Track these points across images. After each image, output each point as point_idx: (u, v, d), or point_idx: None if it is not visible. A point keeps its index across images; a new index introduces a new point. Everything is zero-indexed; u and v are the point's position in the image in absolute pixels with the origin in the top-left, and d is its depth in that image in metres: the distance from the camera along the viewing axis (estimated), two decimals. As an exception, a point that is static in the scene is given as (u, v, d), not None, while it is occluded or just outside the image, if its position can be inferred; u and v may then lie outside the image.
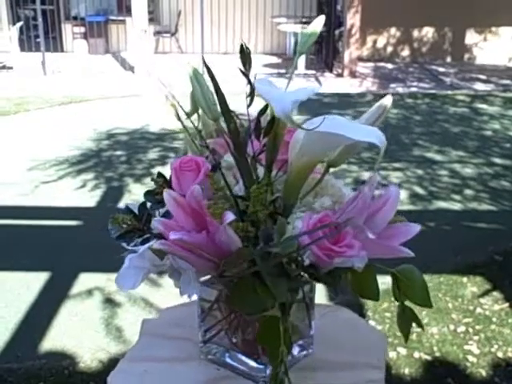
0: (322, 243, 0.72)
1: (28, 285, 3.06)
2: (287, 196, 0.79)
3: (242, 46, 0.85)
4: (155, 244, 0.71)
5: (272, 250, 0.72)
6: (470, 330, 2.70)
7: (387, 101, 0.79)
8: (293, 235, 0.74)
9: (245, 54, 0.85)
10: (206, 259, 0.72)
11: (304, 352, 0.97)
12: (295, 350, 0.94)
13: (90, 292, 2.98)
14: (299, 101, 0.67)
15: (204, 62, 0.82)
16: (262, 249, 0.72)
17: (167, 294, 2.85)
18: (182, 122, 0.85)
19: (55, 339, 2.63)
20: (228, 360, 0.93)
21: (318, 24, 0.87)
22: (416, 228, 0.77)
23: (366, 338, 1.06)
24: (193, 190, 0.72)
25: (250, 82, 0.80)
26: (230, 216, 0.71)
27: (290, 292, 0.75)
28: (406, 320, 0.79)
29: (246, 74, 0.81)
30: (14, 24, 9.34)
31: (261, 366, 0.90)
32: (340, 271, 0.76)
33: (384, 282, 2.88)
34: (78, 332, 2.68)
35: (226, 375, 0.92)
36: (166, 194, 0.73)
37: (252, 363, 0.91)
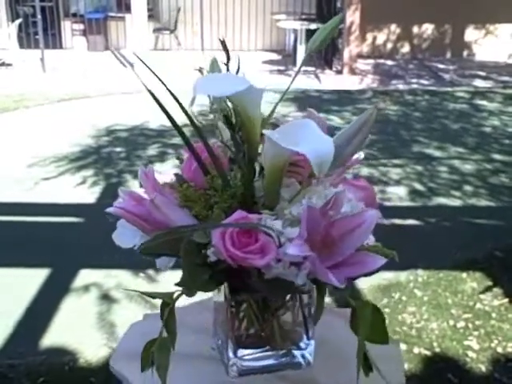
0: (225, 242, 0.72)
1: (28, 281, 3.06)
2: (268, 197, 0.80)
3: (222, 42, 0.85)
4: (108, 208, 0.80)
5: (193, 238, 0.75)
6: (470, 325, 2.71)
7: (369, 115, 0.76)
8: (208, 225, 0.76)
9: (227, 52, 0.86)
10: (149, 229, 0.79)
11: (294, 360, 0.94)
12: (278, 358, 0.93)
13: (90, 288, 2.98)
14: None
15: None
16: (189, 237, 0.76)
17: (164, 290, 2.85)
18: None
19: (56, 335, 2.63)
20: (265, 362, 0.93)
21: (333, 25, 0.85)
22: (380, 262, 0.71)
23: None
24: (149, 170, 0.83)
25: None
26: (157, 196, 0.78)
27: (212, 283, 0.76)
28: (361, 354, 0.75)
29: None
30: (12, 21, 9.34)
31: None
32: (286, 285, 0.75)
33: (385, 278, 2.90)
34: (78, 328, 2.69)
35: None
36: (140, 170, 0.84)
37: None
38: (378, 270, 0.73)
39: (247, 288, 0.79)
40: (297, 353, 0.94)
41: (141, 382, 0.86)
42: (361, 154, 0.89)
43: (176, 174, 0.88)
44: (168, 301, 0.76)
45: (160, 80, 0.79)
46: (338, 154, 0.75)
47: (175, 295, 0.77)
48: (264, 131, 0.71)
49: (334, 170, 0.81)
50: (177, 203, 0.81)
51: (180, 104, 0.78)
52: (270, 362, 0.93)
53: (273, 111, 0.88)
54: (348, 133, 0.77)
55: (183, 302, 1.08)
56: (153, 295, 0.78)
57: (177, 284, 0.75)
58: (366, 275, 0.75)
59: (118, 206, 0.81)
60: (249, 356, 0.93)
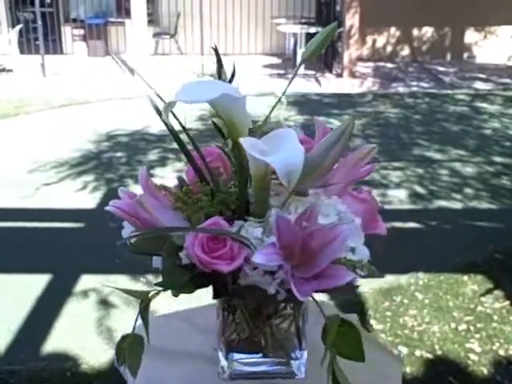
0: (195, 247, 0.73)
1: (30, 286, 3.06)
2: (257, 205, 0.80)
3: (215, 50, 0.85)
4: (106, 207, 0.83)
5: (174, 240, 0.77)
6: (472, 328, 2.70)
7: (347, 125, 0.75)
8: (188, 228, 0.77)
9: (219, 58, 0.87)
10: (142, 227, 0.82)
11: (288, 369, 0.93)
12: (270, 365, 0.92)
13: (90, 293, 2.98)
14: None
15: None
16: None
17: (164, 295, 2.85)
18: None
19: (57, 340, 2.63)
20: (257, 368, 0.92)
21: (328, 33, 0.86)
22: (348, 277, 0.71)
23: (379, 363, 0.98)
24: (143, 170, 0.84)
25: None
26: (144, 196, 0.80)
27: (191, 285, 0.77)
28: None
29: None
30: (13, 27, 9.36)
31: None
32: (262, 293, 0.75)
33: (386, 281, 2.90)
34: (79, 333, 2.69)
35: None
36: (140, 171, 0.85)
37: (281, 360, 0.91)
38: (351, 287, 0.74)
39: (228, 293, 0.79)
40: (293, 362, 0.93)
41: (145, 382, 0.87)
42: (374, 166, 0.89)
43: (179, 178, 0.89)
44: (144, 299, 0.77)
45: (151, 88, 0.79)
46: (316, 164, 0.75)
47: (151, 294, 0.78)
48: (240, 139, 0.70)
49: (315, 181, 0.80)
50: (169, 205, 0.82)
51: (173, 114, 0.78)
52: (263, 368, 0.92)
53: (268, 117, 0.88)
54: (326, 144, 0.76)
55: (197, 303, 1.08)
56: (129, 293, 0.79)
57: (156, 284, 0.76)
58: (335, 290, 0.75)
59: (112, 204, 0.83)
60: (241, 360, 0.93)
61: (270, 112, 0.88)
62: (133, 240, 0.80)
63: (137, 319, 0.78)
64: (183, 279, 0.76)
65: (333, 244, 0.71)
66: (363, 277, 0.78)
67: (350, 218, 0.78)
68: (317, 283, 0.72)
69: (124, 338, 0.77)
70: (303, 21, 9.62)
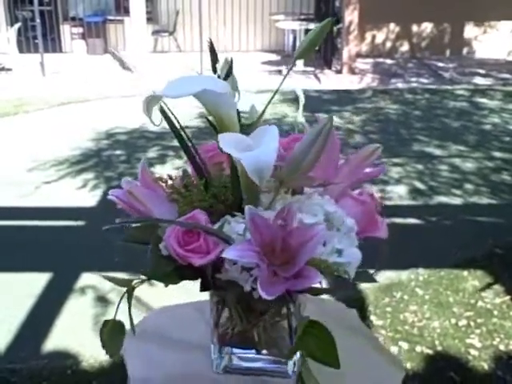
0: (171, 239, 0.75)
1: (30, 285, 3.06)
2: (247, 201, 0.80)
3: (211, 44, 0.86)
4: (109, 196, 0.86)
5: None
6: (472, 323, 2.70)
7: (324, 125, 0.74)
8: (164, 220, 0.79)
9: (213, 54, 0.86)
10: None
11: (283, 368, 0.93)
12: (265, 363, 0.92)
13: (90, 291, 2.98)
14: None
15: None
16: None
17: (160, 292, 2.85)
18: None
19: (58, 339, 2.63)
20: (252, 364, 0.92)
21: (320, 31, 0.85)
22: (317, 279, 0.70)
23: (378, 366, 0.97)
24: (141, 162, 0.88)
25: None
26: (135, 187, 0.84)
27: (175, 276, 0.78)
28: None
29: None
30: (12, 25, 9.34)
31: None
32: (240, 289, 0.75)
33: (386, 277, 2.90)
34: (80, 331, 2.69)
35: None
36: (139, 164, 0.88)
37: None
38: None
39: (214, 287, 0.81)
40: (290, 362, 0.92)
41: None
42: (385, 168, 0.89)
43: (183, 170, 0.90)
44: (127, 287, 0.80)
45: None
46: (297, 163, 0.75)
47: (134, 282, 0.80)
48: (219, 135, 0.71)
49: (299, 180, 0.79)
50: (165, 197, 0.83)
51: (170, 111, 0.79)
52: (258, 365, 0.92)
53: (262, 113, 0.88)
54: (305, 143, 0.76)
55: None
56: (112, 280, 0.81)
57: (141, 272, 0.78)
58: (306, 291, 0.75)
59: (112, 193, 0.85)
60: (235, 355, 0.93)
61: (265, 108, 0.88)
62: (127, 229, 0.82)
63: (118, 306, 0.80)
64: (167, 270, 0.77)
65: (309, 244, 0.71)
66: (354, 281, 0.78)
67: (339, 219, 0.77)
68: (290, 283, 0.71)
69: (105, 323, 0.80)
70: (302, 17, 9.62)
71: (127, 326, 0.81)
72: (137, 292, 2.63)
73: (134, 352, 1.01)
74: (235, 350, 0.93)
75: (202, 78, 0.75)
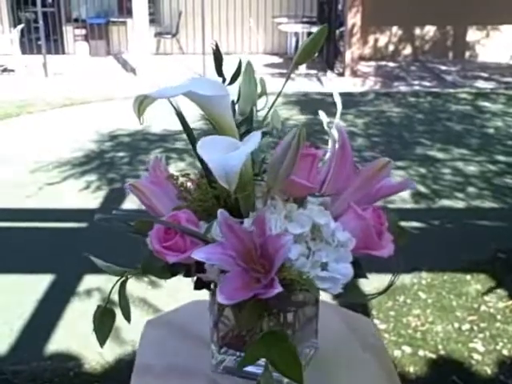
0: (152, 236, 0.78)
1: (32, 287, 3.06)
2: (243, 204, 0.80)
3: (216, 47, 0.86)
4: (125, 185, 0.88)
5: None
6: (475, 327, 2.70)
7: (294, 134, 0.73)
8: (151, 217, 0.82)
9: (218, 56, 0.87)
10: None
11: (312, 351, 0.96)
12: (258, 368, 0.93)
13: (93, 293, 2.98)
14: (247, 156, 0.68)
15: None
16: None
17: (166, 295, 2.86)
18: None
19: (60, 341, 2.63)
20: (246, 368, 0.91)
21: (318, 37, 0.85)
22: (273, 292, 0.70)
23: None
24: (153, 158, 0.91)
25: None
26: (138, 181, 0.86)
27: (166, 272, 0.81)
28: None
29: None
30: (15, 27, 9.36)
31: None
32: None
33: (388, 280, 2.84)
34: (82, 333, 2.68)
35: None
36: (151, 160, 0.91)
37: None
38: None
39: (208, 286, 0.82)
40: None
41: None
42: (413, 183, 0.87)
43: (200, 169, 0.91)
44: (121, 276, 0.82)
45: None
46: (275, 169, 0.74)
47: (127, 272, 0.82)
48: (199, 141, 0.71)
49: (281, 187, 0.78)
50: (175, 194, 0.85)
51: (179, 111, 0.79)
52: (251, 369, 0.90)
53: (265, 116, 0.88)
54: (280, 149, 0.75)
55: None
56: (106, 269, 0.84)
57: (136, 267, 0.82)
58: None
59: (129, 183, 0.88)
60: (231, 356, 0.93)
61: (268, 111, 0.88)
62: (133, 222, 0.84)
63: (110, 293, 0.82)
64: (159, 264, 0.79)
65: (279, 253, 0.71)
66: (341, 298, 0.78)
67: (328, 232, 0.76)
68: (258, 291, 0.71)
69: (98, 308, 0.82)
70: (305, 20, 9.62)
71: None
72: (143, 294, 2.65)
73: (149, 340, 1.04)
74: (232, 352, 0.93)
75: (191, 81, 0.75)
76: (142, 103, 0.75)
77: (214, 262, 0.73)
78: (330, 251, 0.75)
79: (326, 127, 0.87)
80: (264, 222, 0.73)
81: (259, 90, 0.91)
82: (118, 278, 0.83)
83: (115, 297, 0.85)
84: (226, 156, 0.68)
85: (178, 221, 0.78)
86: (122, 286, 0.82)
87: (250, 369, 0.91)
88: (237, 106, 0.90)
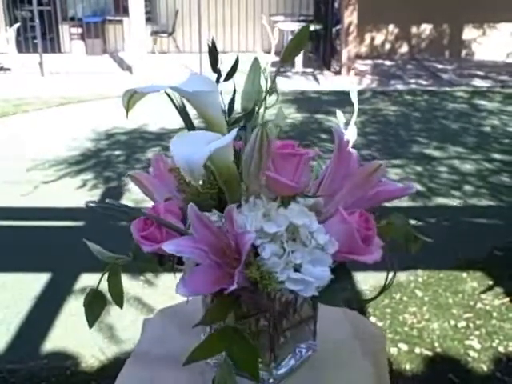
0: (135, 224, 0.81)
1: (29, 286, 3.06)
2: (229, 198, 0.81)
3: (212, 44, 0.87)
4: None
5: None
6: (471, 325, 2.70)
7: (256, 135, 0.73)
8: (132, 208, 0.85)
9: (213, 52, 0.87)
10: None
11: (309, 352, 0.95)
12: (301, 352, 0.93)
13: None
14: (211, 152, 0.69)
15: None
16: None
17: (162, 294, 2.86)
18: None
19: (57, 339, 2.63)
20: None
21: (300, 38, 0.85)
22: (231, 287, 0.72)
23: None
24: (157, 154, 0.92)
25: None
26: (138, 172, 0.89)
27: (155, 263, 0.83)
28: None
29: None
30: (11, 25, 9.34)
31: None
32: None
33: (385, 278, 2.84)
34: (79, 332, 2.68)
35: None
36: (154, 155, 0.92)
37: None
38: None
39: None
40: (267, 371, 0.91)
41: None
42: (413, 186, 0.86)
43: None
44: (111, 263, 0.85)
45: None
46: (246, 167, 0.75)
47: (119, 260, 0.84)
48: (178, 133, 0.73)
49: (255, 185, 0.79)
50: (175, 187, 0.85)
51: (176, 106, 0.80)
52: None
53: (256, 113, 0.88)
54: (247, 152, 0.75)
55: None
56: (99, 254, 0.86)
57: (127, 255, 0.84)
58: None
59: (131, 172, 0.92)
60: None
61: (258, 109, 0.88)
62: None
63: (102, 278, 0.84)
64: (146, 254, 0.80)
65: (243, 250, 0.71)
66: (317, 301, 0.78)
67: (304, 233, 0.74)
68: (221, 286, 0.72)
69: (90, 291, 0.85)
70: (301, 18, 9.62)
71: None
72: (139, 293, 2.65)
73: (151, 330, 1.05)
74: None
75: (181, 78, 0.77)
76: (132, 98, 0.75)
77: (185, 254, 0.73)
78: (306, 253, 0.74)
79: (338, 127, 0.87)
80: (232, 219, 0.73)
81: (266, 87, 0.92)
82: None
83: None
84: (191, 151, 0.69)
85: (158, 212, 0.80)
86: (113, 272, 0.84)
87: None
88: (239, 103, 0.91)
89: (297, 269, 0.73)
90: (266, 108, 0.90)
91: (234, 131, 0.70)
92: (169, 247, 0.72)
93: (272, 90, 0.90)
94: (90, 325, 0.83)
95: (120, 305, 0.84)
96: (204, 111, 0.79)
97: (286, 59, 0.86)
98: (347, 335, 1.03)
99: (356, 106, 0.89)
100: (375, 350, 1.02)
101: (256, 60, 0.92)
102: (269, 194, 0.79)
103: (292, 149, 0.78)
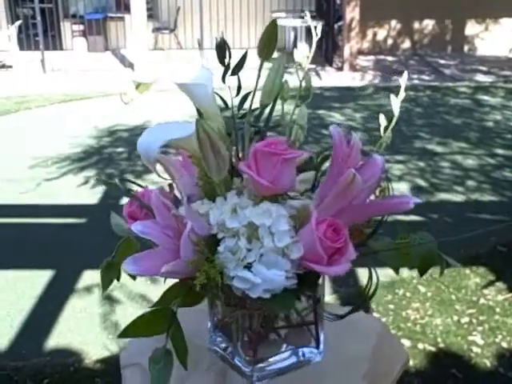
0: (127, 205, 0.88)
1: (32, 282, 3.06)
2: (220, 190, 0.81)
3: (221, 39, 0.87)
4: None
5: None
6: (474, 320, 2.70)
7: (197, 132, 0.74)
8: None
9: (222, 48, 0.88)
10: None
11: (310, 358, 0.93)
12: (232, 355, 0.92)
13: (93, 289, 2.98)
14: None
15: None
16: None
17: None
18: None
19: (60, 336, 2.64)
20: (224, 352, 0.94)
21: (269, 33, 0.85)
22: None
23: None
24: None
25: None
26: (165, 158, 0.87)
27: None
28: None
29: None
30: (12, 23, 9.34)
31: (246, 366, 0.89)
32: None
33: (388, 274, 2.89)
34: (82, 329, 2.69)
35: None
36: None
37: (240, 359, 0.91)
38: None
39: None
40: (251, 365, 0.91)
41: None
42: (410, 203, 0.81)
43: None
44: (126, 236, 0.88)
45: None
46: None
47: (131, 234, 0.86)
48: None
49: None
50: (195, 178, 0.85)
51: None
52: (227, 354, 0.92)
53: (249, 107, 0.88)
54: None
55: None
56: (113, 228, 0.92)
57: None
58: None
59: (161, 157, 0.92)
60: (223, 344, 0.94)
61: (251, 103, 0.89)
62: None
63: (117, 249, 0.89)
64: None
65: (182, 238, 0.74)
66: (267, 307, 0.77)
67: (261, 233, 0.73)
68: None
69: (106, 262, 0.90)
70: (303, 14, 9.60)
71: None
72: (143, 290, 2.65)
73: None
74: (218, 334, 0.94)
75: (177, 70, 0.83)
76: (138, 87, 0.79)
77: (150, 237, 0.75)
78: (260, 253, 0.73)
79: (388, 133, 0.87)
80: (188, 210, 0.75)
81: (299, 84, 0.93)
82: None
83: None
84: (152, 139, 0.74)
85: (148, 197, 0.84)
86: (127, 243, 0.86)
87: (225, 353, 0.93)
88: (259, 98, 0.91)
89: (247, 268, 0.73)
90: (295, 106, 0.91)
91: (193, 124, 0.72)
92: (136, 227, 0.75)
93: (307, 88, 0.90)
94: (104, 289, 0.89)
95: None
96: (199, 103, 0.81)
97: (261, 54, 0.86)
98: (362, 353, 0.98)
99: (396, 112, 0.89)
100: (383, 373, 0.97)
101: (281, 57, 0.92)
102: (255, 191, 0.78)
103: (274, 147, 0.73)
